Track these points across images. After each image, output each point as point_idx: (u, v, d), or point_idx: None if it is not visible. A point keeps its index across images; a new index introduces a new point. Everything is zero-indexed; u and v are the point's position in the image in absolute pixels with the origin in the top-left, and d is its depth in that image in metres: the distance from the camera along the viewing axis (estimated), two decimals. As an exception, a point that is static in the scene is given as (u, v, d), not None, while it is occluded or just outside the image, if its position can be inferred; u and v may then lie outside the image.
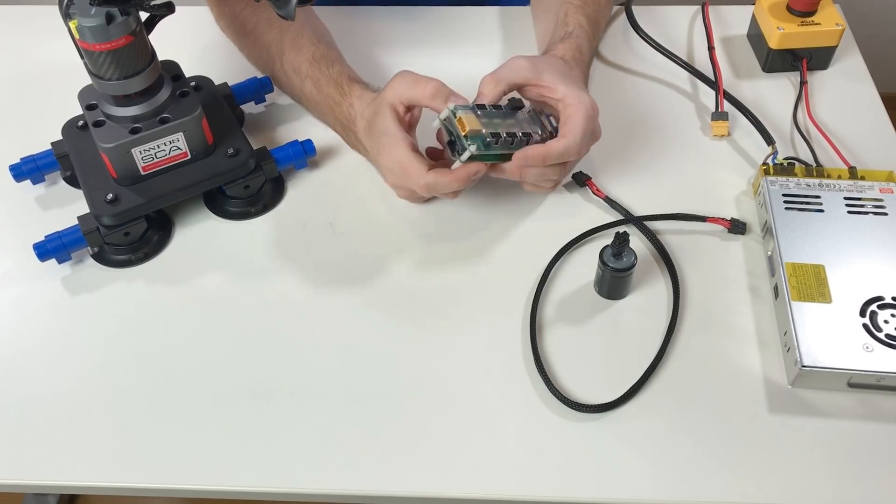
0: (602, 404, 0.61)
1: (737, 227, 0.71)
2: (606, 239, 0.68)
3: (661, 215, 0.73)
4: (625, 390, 0.62)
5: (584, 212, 0.74)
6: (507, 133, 0.65)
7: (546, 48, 0.78)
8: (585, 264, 0.70)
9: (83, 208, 0.70)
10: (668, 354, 0.64)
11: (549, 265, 0.69)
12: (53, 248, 0.69)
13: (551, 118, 0.70)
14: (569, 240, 0.71)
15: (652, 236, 0.71)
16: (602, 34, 0.86)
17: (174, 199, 0.72)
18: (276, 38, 0.81)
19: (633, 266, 0.65)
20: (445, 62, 0.88)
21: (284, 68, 0.80)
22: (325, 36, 0.83)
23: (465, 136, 0.64)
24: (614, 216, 0.73)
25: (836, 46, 0.85)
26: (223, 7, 0.85)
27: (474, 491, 0.58)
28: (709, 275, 0.69)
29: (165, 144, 0.69)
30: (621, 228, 0.70)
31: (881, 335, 0.60)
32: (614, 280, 0.66)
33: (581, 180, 0.75)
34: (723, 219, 0.71)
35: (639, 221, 0.72)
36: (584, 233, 0.72)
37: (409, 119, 0.70)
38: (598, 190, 0.74)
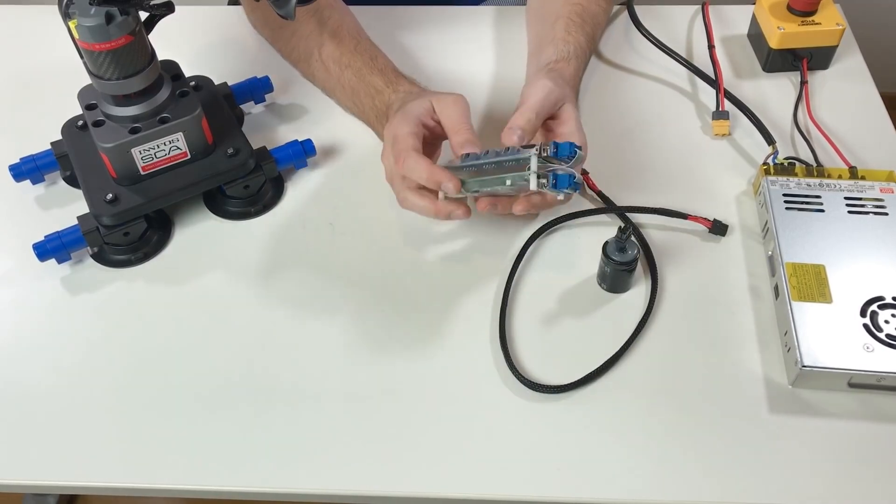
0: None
1: (718, 228, 0.71)
2: (583, 227, 0.71)
3: (642, 208, 0.73)
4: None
5: (577, 205, 0.74)
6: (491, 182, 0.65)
7: (546, 65, 0.77)
8: (586, 256, 0.70)
9: (83, 208, 0.70)
10: (667, 355, 0.64)
11: (520, 251, 0.70)
12: (53, 248, 0.69)
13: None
14: (541, 224, 0.72)
15: (636, 229, 0.72)
16: (594, 50, 0.87)
17: (174, 199, 0.72)
18: (314, 31, 0.82)
19: (635, 259, 0.65)
20: (443, 61, 0.88)
21: (323, 58, 0.81)
22: (362, 31, 0.83)
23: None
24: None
25: (837, 46, 0.85)
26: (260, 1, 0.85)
27: (474, 491, 0.57)
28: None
29: (165, 144, 0.69)
30: (605, 217, 0.71)
31: (882, 335, 0.60)
32: (617, 274, 0.66)
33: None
34: (705, 218, 0.71)
35: (620, 211, 0.73)
36: (557, 218, 0.73)
37: (434, 128, 0.70)
38: (593, 184, 0.75)
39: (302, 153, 0.76)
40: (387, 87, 0.76)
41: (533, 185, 0.61)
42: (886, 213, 0.68)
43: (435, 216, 0.67)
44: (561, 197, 0.62)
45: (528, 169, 0.61)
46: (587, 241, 0.71)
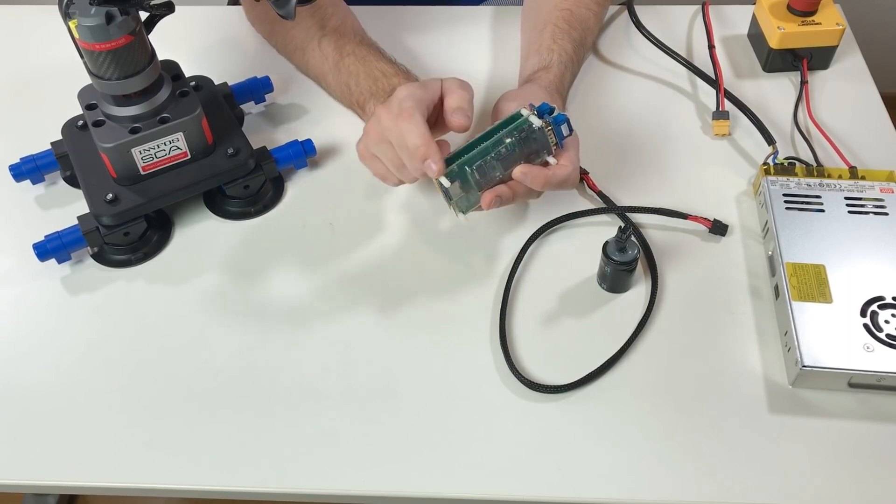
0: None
1: (718, 228, 0.71)
2: (583, 227, 0.72)
3: (642, 208, 0.73)
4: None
5: (577, 205, 0.74)
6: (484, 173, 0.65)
7: (529, 74, 0.78)
8: (586, 256, 0.70)
9: (83, 208, 0.70)
10: (667, 354, 0.64)
11: (521, 251, 0.70)
12: (53, 248, 0.69)
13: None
14: (541, 224, 0.72)
15: (636, 229, 0.72)
16: (587, 54, 0.86)
17: (174, 198, 0.72)
18: (316, 25, 0.82)
19: (635, 259, 0.65)
20: (442, 61, 0.88)
21: (322, 47, 0.81)
22: (365, 32, 0.84)
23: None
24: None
25: (837, 46, 0.85)
26: None
27: (474, 491, 0.57)
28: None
29: (165, 144, 0.69)
30: (605, 216, 0.72)
31: (882, 335, 0.60)
32: (617, 274, 0.66)
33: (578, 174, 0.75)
34: (705, 218, 0.71)
35: (619, 211, 0.73)
36: (557, 218, 0.73)
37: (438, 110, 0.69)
38: (593, 184, 0.75)
39: (302, 153, 0.76)
40: (396, 75, 0.76)
41: (536, 123, 0.64)
42: (886, 213, 0.68)
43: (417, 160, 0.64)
44: (566, 131, 0.66)
45: (523, 117, 0.65)
46: (587, 241, 0.71)
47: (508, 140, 0.64)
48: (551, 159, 0.66)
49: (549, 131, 0.65)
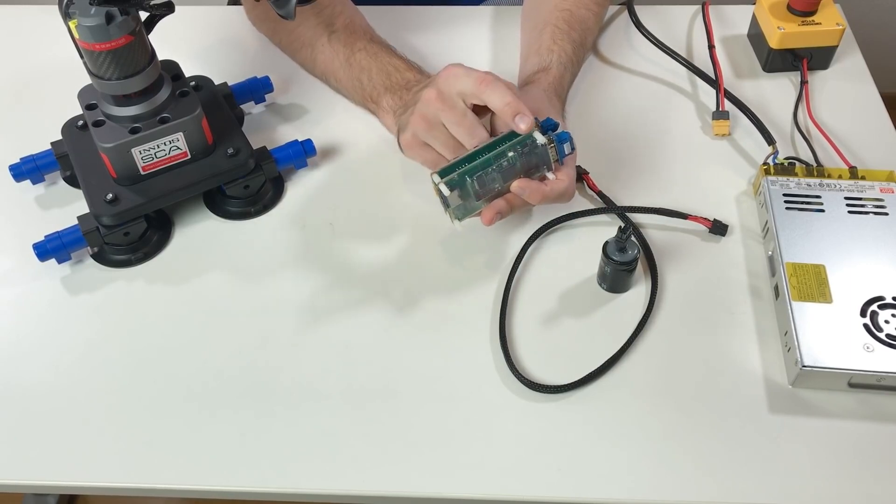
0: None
1: (718, 228, 0.71)
2: (583, 227, 0.72)
3: (642, 208, 0.73)
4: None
5: (577, 205, 0.74)
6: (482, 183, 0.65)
7: (529, 76, 0.78)
8: (586, 256, 0.70)
9: (83, 208, 0.70)
10: (667, 355, 0.64)
11: (521, 251, 0.70)
12: (53, 248, 0.69)
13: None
14: (541, 224, 0.72)
15: (636, 229, 0.72)
16: (587, 54, 0.86)
17: (174, 198, 0.72)
18: (323, 23, 0.83)
19: (635, 259, 0.65)
20: (442, 61, 0.88)
21: (332, 43, 0.82)
22: (374, 31, 0.84)
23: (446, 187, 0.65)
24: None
25: (837, 46, 0.85)
26: None
27: (474, 491, 0.57)
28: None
29: (165, 144, 0.69)
30: (605, 216, 0.72)
31: (882, 335, 0.60)
32: (617, 274, 0.66)
33: (578, 174, 0.75)
34: (705, 218, 0.71)
35: (619, 211, 0.73)
36: (557, 218, 0.73)
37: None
38: (593, 184, 0.75)
39: (302, 153, 0.76)
40: (409, 70, 0.77)
41: (541, 140, 0.64)
42: (886, 213, 0.68)
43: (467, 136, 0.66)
44: (567, 149, 0.65)
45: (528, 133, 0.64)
46: (587, 241, 0.71)
47: (511, 154, 0.64)
48: (550, 175, 0.66)
49: (551, 148, 0.65)
